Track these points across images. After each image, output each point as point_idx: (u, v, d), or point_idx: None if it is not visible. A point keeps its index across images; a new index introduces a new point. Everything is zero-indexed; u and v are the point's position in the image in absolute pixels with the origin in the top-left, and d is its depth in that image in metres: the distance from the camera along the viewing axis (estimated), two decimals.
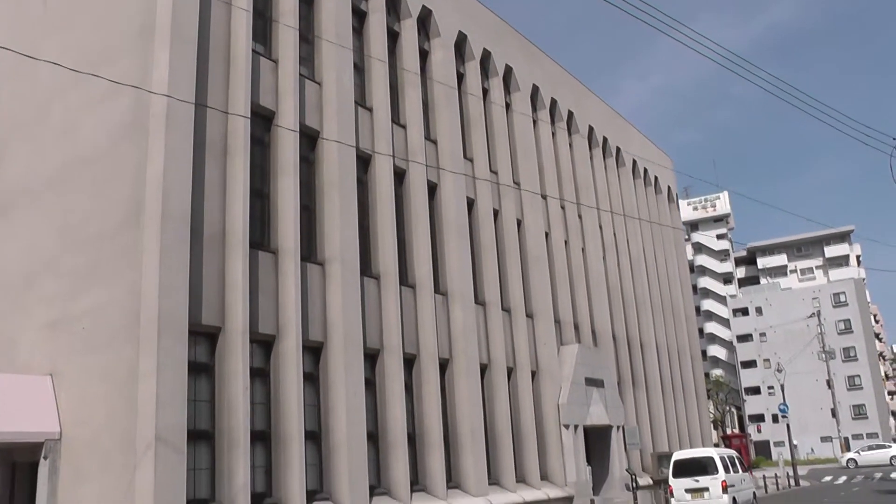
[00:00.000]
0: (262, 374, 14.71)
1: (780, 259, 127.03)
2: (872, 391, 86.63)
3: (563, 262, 27.45)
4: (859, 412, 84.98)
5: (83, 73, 15.29)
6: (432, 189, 21.25)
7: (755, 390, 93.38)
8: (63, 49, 16.05)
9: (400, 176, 20.12)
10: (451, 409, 19.60)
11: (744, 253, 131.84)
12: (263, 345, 14.88)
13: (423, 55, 22.60)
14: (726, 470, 21.20)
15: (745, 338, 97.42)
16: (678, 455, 22.43)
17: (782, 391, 42.30)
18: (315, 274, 16.31)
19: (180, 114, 13.52)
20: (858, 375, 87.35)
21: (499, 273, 23.12)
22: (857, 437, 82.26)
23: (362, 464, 15.56)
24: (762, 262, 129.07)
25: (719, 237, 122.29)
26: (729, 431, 77.41)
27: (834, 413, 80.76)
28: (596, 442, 26.37)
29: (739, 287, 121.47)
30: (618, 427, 26.85)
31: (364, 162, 18.96)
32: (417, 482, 17.83)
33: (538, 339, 24.38)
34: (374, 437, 16.94)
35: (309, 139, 17.43)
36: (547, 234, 27.04)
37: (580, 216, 30.07)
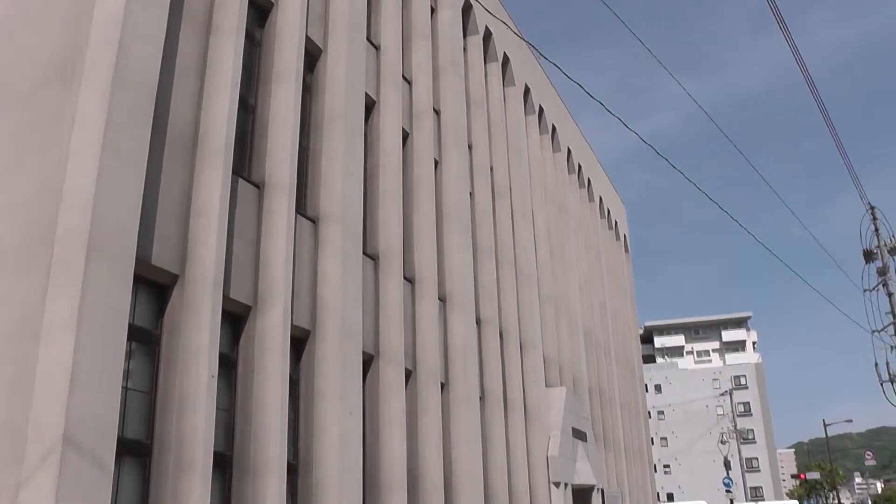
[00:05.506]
0: (226, 364, 9.55)
1: (677, 339, 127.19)
2: (769, 474, 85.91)
3: (551, 289, 23.27)
4: (756, 494, 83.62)
5: None
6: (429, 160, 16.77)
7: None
8: None
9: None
10: (448, 447, 14.71)
11: (640, 331, 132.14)
12: (232, 319, 9.76)
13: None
14: None
15: None
16: None
17: (726, 466, 39.22)
18: (306, 232, 11.38)
19: None
20: (756, 458, 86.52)
21: (497, 286, 18.65)
22: None
23: None
24: (659, 341, 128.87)
25: None
26: None
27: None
28: None
29: None
30: (598, 489, 22.44)
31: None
32: None
33: (526, 375, 19.88)
34: (363, 475, 11.85)
35: (309, 57, 12.67)
36: (535, 253, 22.86)
37: (562, 243, 26.10)
